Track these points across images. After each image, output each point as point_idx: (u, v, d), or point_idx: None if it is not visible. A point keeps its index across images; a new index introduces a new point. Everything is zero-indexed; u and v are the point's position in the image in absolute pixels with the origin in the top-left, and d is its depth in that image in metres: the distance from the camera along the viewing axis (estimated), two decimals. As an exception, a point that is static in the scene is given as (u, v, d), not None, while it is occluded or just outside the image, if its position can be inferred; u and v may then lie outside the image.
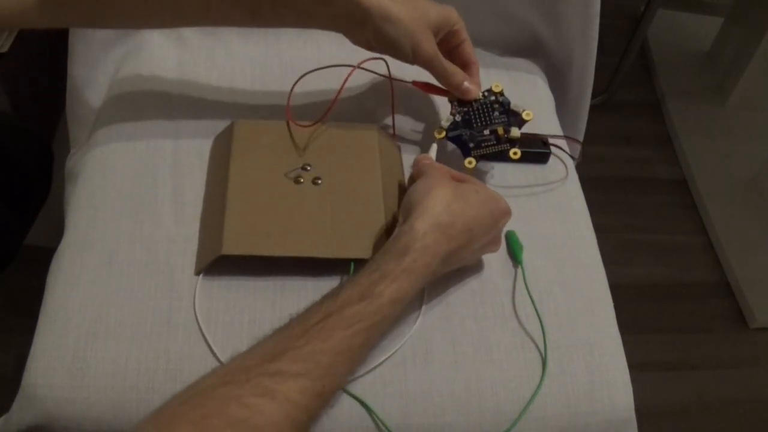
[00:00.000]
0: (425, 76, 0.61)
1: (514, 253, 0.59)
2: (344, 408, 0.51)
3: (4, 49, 1.16)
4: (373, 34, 0.56)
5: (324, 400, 0.45)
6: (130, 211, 0.58)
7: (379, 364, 0.52)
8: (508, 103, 0.62)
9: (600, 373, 0.54)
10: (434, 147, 0.61)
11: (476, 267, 0.58)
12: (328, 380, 0.44)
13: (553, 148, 0.67)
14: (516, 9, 0.75)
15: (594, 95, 0.83)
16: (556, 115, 0.74)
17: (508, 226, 0.60)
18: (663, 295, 1.28)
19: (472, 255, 0.55)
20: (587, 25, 0.74)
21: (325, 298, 0.47)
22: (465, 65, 0.62)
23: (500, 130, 0.60)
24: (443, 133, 0.61)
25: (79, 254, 0.56)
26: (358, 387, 0.51)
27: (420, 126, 0.67)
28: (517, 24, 0.76)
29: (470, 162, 0.60)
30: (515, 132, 0.60)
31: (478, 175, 0.63)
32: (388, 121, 0.66)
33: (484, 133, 0.61)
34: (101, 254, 0.55)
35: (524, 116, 0.61)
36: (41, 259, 0.58)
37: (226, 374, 0.42)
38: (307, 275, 0.55)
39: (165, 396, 0.49)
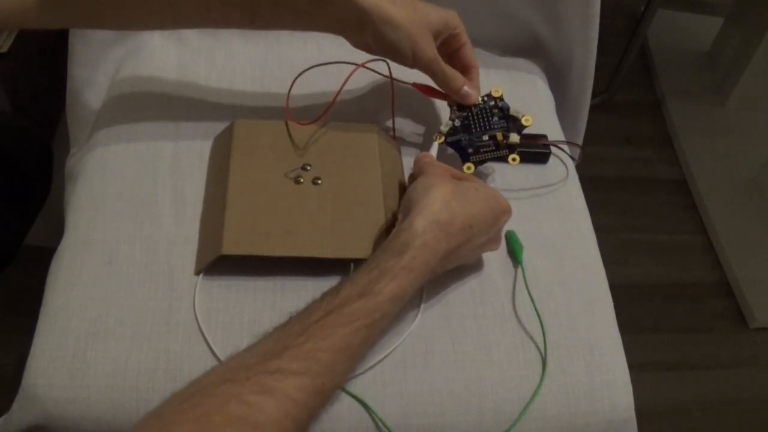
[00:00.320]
0: (425, 79, 0.61)
1: (514, 253, 0.59)
2: (344, 407, 0.51)
3: (4, 49, 1.17)
4: (373, 37, 0.56)
5: (324, 397, 0.45)
6: (130, 211, 0.58)
7: (379, 362, 0.52)
8: (508, 108, 0.62)
9: (600, 373, 0.54)
10: (435, 146, 0.61)
11: (476, 266, 0.58)
12: (328, 378, 0.44)
13: (553, 148, 0.67)
14: (516, 9, 0.75)
15: (594, 95, 0.83)
16: (556, 115, 0.74)
17: (509, 226, 0.60)
18: (663, 295, 1.28)
19: (472, 253, 0.55)
20: (587, 25, 0.74)
21: (325, 295, 0.47)
22: (465, 69, 0.62)
23: (499, 136, 0.60)
24: (442, 139, 0.61)
25: (79, 254, 0.56)
26: (357, 386, 0.51)
27: (420, 127, 0.67)
28: (517, 24, 0.76)
29: (469, 167, 0.60)
30: (514, 138, 0.60)
31: (479, 174, 0.63)
32: (389, 122, 0.66)
33: (483, 138, 0.61)
34: (101, 254, 0.55)
35: (523, 122, 0.61)
36: (41, 259, 0.58)
37: (227, 372, 0.42)
38: (307, 275, 0.55)
39: (165, 396, 0.49)
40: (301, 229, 0.55)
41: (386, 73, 0.63)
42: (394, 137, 0.66)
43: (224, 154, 0.60)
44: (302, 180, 0.58)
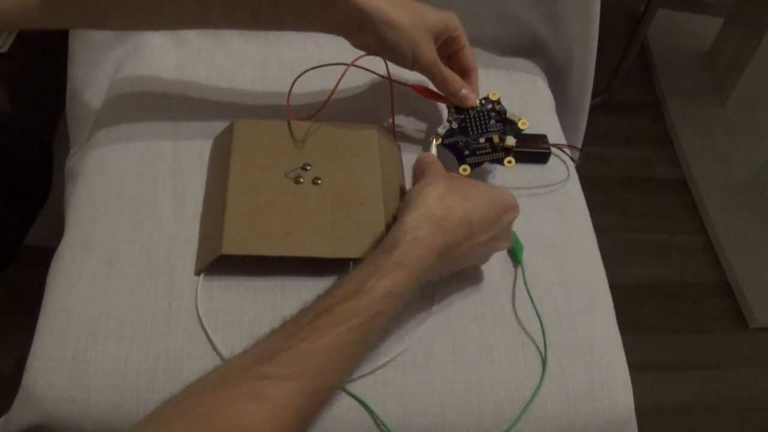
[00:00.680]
0: (424, 80, 0.61)
1: (515, 253, 0.59)
2: (344, 408, 0.51)
3: (4, 49, 1.16)
4: (374, 38, 0.56)
5: (320, 399, 0.45)
6: (130, 211, 0.58)
7: (384, 365, 0.52)
8: (505, 112, 0.62)
9: (600, 373, 0.54)
10: (433, 147, 0.61)
11: (476, 266, 0.58)
12: (323, 379, 0.43)
13: (553, 148, 0.67)
14: (516, 9, 0.75)
15: (594, 95, 0.83)
16: (556, 115, 0.74)
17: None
18: (663, 295, 1.28)
19: (477, 250, 0.54)
20: (587, 25, 0.74)
21: (319, 296, 0.47)
22: (464, 71, 0.62)
23: (495, 138, 0.61)
24: (439, 140, 0.62)
25: (79, 254, 0.56)
26: (358, 387, 0.51)
27: (420, 126, 0.67)
28: (517, 24, 0.76)
29: (465, 169, 0.61)
30: (510, 141, 0.61)
31: (479, 175, 0.63)
32: (390, 120, 0.66)
33: (480, 141, 0.61)
34: (101, 254, 0.55)
35: (520, 125, 0.62)
36: (41, 259, 0.58)
37: (223, 374, 0.42)
38: (307, 275, 0.55)
39: (165, 396, 0.49)
40: (301, 229, 0.55)
41: (384, 73, 0.63)
42: (394, 137, 0.66)
43: (224, 154, 0.60)
44: (302, 180, 0.58)
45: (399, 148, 0.65)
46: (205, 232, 0.57)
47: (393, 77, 0.64)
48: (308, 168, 0.59)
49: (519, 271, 0.58)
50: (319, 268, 0.55)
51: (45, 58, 1.13)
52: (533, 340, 0.55)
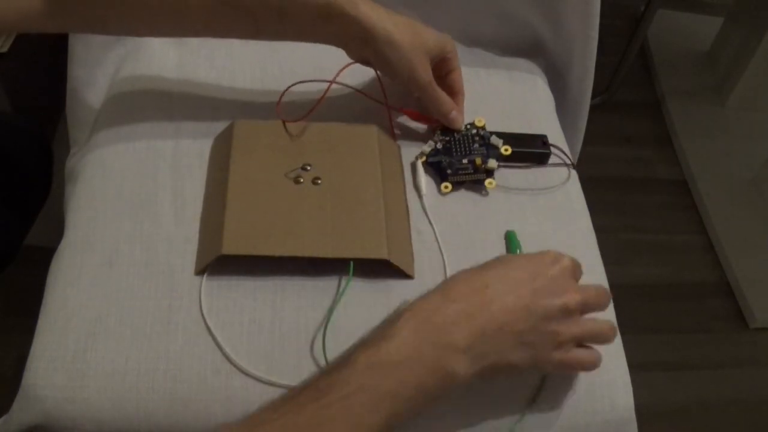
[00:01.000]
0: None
1: (513, 254, 0.59)
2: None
3: (4, 49, 1.17)
4: (374, 54, 0.58)
5: None
6: (130, 211, 0.58)
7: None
8: (489, 137, 0.64)
9: (600, 373, 0.54)
10: (419, 164, 0.63)
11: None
12: None
13: (553, 149, 0.67)
14: (516, 9, 0.75)
15: (594, 95, 0.83)
16: (556, 115, 0.74)
17: (511, 225, 0.60)
18: (663, 295, 1.28)
19: (518, 323, 0.44)
20: (587, 25, 0.74)
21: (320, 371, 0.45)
22: (452, 93, 0.64)
23: (478, 161, 0.62)
24: (424, 158, 0.63)
25: (79, 254, 0.56)
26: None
27: (420, 126, 0.67)
28: (517, 24, 0.76)
29: (446, 186, 0.62)
30: (492, 163, 0.62)
31: (476, 188, 0.63)
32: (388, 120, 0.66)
33: (463, 161, 0.63)
34: (101, 254, 0.55)
35: (502, 151, 0.63)
36: (41, 259, 0.58)
37: None
38: (307, 275, 0.55)
39: (165, 396, 0.49)
40: (301, 229, 0.55)
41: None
42: (393, 137, 0.66)
43: (224, 154, 0.60)
44: (302, 180, 0.58)
45: (399, 148, 0.65)
46: (205, 232, 0.57)
47: (385, 99, 0.65)
48: (308, 168, 0.59)
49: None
50: (319, 268, 0.55)
51: (45, 58, 1.13)
52: (533, 340, 0.55)
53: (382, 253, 0.54)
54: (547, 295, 0.45)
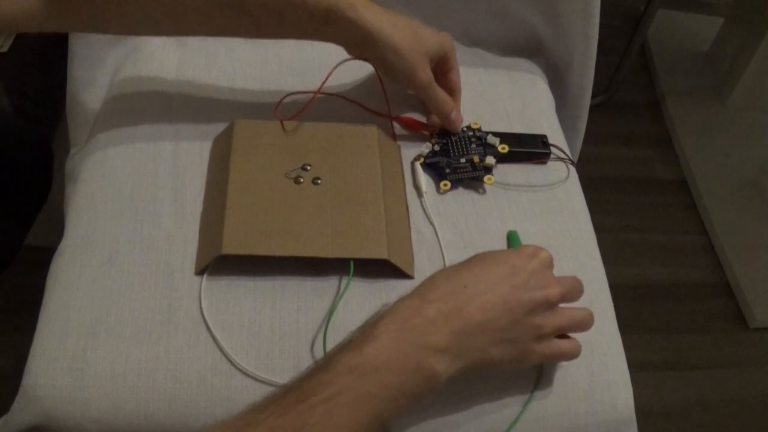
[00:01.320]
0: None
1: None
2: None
3: (4, 49, 1.17)
4: (374, 56, 0.59)
5: None
6: (130, 211, 0.58)
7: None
8: (485, 137, 0.65)
9: (600, 373, 0.54)
10: (417, 166, 0.63)
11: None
12: None
13: (553, 149, 0.67)
14: (516, 9, 0.75)
15: (594, 95, 0.83)
16: (556, 115, 0.74)
17: (510, 225, 0.60)
18: (663, 295, 1.28)
19: (499, 320, 0.45)
20: (587, 25, 0.74)
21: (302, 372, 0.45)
22: (450, 91, 0.64)
23: (476, 159, 0.63)
24: (422, 159, 0.64)
25: (79, 254, 0.56)
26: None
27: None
28: (517, 24, 0.76)
29: (445, 185, 0.62)
30: (490, 160, 0.63)
31: (473, 186, 0.63)
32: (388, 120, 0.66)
33: (461, 161, 0.63)
34: (101, 254, 0.55)
35: (500, 149, 0.64)
36: (41, 259, 0.58)
37: None
38: (307, 275, 0.55)
39: (165, 396, 0.49)
40: (301, 229, 0.55)
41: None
42: (393, 137, 0.66)
43: (224, 154, 0.60)
44: (302, 180, 0.58)
45: (399, 148, 0.65)
46: (205, 232, 0.57)
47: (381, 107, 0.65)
48: (308, 168, 0.59)
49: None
50: (319, 268, 0.55)
51: (45, 58, 1.13)
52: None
53: (382, 253, 0.54)
54: (527, 290, 0.46)
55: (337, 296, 0.54)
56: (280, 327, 0.53)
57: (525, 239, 0.59)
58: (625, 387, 0.55)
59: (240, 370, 0.50)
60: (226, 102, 0.67)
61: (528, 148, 0.65)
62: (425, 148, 0.64)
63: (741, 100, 1.55)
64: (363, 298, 0.54)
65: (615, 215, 1.37)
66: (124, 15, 0.55)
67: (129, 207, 0.58)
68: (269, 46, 0.72)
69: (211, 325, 0.52)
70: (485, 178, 0.62)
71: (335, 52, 0.61)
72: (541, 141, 0.66)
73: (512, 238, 0.59)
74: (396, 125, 0.66)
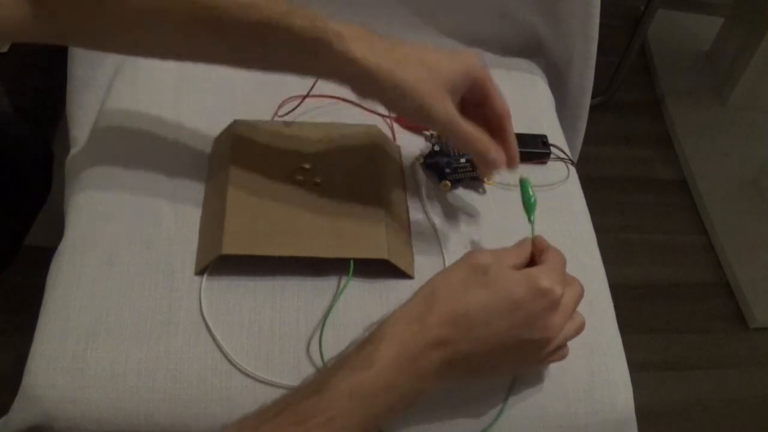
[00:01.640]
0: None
1: (526, 207, 0.56)
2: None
3: (4, 49, 1.17)
4: (379, 97, 0.50)
5: None
6: (130, 211, 0.58)
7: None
8: None
9: (600, 373, 0.54)
10: (417, 166, 0.63)
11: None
12: None
13: (553, 149, 0.67)
14: (516, 9, 0.75)
15: (594, 95, 0.83)
16: (556, 115, 0.74)
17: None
18: (663, 295, 1.29)
19: (496, 352, 0.46)
20: (587, 25, 0.75)
21: (295, 389, 0.45)
22: (496, 117, 0.53)
23: None
24: (422, 160, 0.63)
25: (79, 254, 0.56)
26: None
27: (419, 127, 0.67)
28: (517, 24, 0.76)
29: (446, 185, 0.62)
30: None
31: (473, 185, 0.63)
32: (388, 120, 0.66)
33: (461, 161, 0.63)
34: (101, 254, 0.55)
35: None
36: (41, 259, 0.58)
37: None
38: (307, 275, 0.55)
39: (165, 396, 0.49)
40: (301, 229, 0.55)
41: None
42: (393, 137, 0.66)
43: (224, 154, 0.60)
44: (302, 180, 0.58)
45: (399, 148, 0.65)
46: (205, 232, 0.57)
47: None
48: (308, 168, 0.59)
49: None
50: (319, 268, 0.55)
51: (45, 58, 1.13)
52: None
53: (381, 253, 0.54)
54: (526, 329, 0.46)
55: (336, 296, 0.54)
56: (280, 327, 0.53)
57: (525, 239, 0.59)
58: (625, 387, 0.55)
59: (240, 370, 0.50)
60: (226, 102, 0.67)
61: (528, 148, 0.65)
62: (425, 148, 0.64)
63: (741, 100, 1.56)
64: (363, 298, 0.54)
65: (615, 215, 1.37)
66: (105, 35, 0.51)
67: (129, 207, 0.58)
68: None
69: (211, 325, 0.52)
70: (485, 178, 0.62)
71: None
72: (541, 141, 0.66)
73: (523, 188, 0.57)
74: (396, 125, 0.66)
